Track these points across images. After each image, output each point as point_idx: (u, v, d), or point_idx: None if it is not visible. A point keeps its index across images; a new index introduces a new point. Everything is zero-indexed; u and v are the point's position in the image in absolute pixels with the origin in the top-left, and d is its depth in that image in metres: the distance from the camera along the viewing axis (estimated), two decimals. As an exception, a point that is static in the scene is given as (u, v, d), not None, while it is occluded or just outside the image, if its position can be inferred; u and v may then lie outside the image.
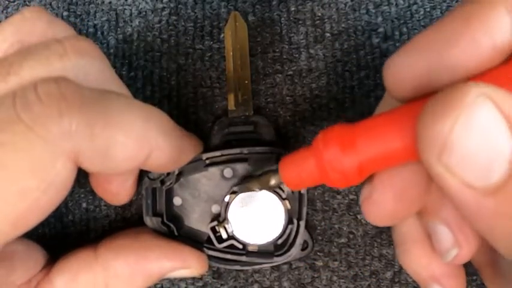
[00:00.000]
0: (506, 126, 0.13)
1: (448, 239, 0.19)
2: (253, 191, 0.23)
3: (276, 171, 0.21)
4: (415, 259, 0.22)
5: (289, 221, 0.25)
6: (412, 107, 0.17)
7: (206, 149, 0.26)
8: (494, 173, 0.14)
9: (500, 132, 0.13)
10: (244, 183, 0.23)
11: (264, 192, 0.25)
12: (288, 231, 0.25)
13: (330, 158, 0.18)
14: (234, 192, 0.25)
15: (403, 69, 0.17)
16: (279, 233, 0.25)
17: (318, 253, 0.27)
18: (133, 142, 0.19)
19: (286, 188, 0.25)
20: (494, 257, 0.22)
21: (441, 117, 0.14)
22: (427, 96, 0.15)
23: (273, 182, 0.21)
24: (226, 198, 0.25)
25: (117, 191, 0.24)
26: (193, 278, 0.27)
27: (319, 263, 0.27)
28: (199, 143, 0.24)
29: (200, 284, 0.27)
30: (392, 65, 0.17)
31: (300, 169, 0.19)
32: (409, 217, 0.21)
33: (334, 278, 0.27)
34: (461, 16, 0.16)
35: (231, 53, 0.27)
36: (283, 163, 0.20)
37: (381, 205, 0.19)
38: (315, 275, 0.27)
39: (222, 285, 0.27)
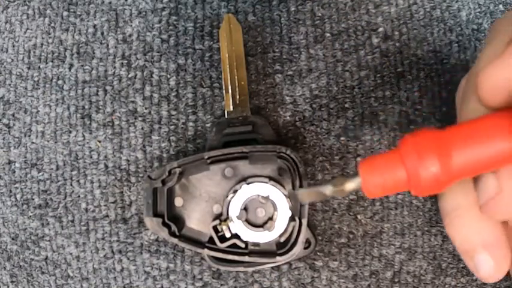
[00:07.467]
0: None
1: None
2: (322, 197, 0.21)
3: (353, 176, 0.19)
4: (468, 223, 0.21)
5: (291, 219, 0.25)
6: (507, 114, 0.17)
7: (206, 150, 0.26)
8: None
9: None
10: (311, 187, 0.21)
11: (266, 189, 0.25)
12: (290, 229, 0.25)
13: (427, 167, 0.17)
14: (235, 191, 0.25)
15: (500, 81, 0.18)
16: (281, 230, 0.25)
17: (318, 253, 0.27)
18: None
19: (287, 186, 0.25)
20: None
21: None
22: None
23: (350, 187, 0.20)
24: (228, 197, 0.25)
25: None
26: (193, 278, 0.27)
27: (319, 263, 0.27)
28: None
29: (200, 284, 0.27)
30: (489, 76, 0.18)
31: (386, 176, 0.18)
32: None
33: (334, 278, 0.27)
34: None
35: (226, 55, 0.27)
36: (365, 168, 0.19)
37: None
38: (315, 275, 0.27)
39: (222, 285, 0.27)
